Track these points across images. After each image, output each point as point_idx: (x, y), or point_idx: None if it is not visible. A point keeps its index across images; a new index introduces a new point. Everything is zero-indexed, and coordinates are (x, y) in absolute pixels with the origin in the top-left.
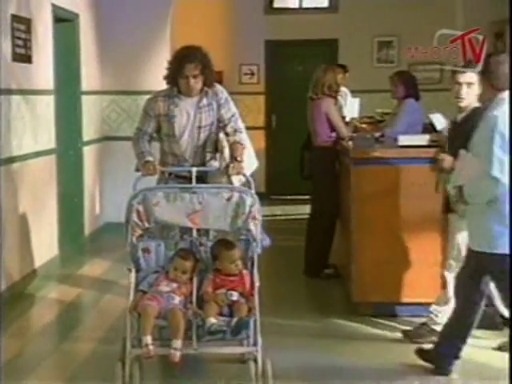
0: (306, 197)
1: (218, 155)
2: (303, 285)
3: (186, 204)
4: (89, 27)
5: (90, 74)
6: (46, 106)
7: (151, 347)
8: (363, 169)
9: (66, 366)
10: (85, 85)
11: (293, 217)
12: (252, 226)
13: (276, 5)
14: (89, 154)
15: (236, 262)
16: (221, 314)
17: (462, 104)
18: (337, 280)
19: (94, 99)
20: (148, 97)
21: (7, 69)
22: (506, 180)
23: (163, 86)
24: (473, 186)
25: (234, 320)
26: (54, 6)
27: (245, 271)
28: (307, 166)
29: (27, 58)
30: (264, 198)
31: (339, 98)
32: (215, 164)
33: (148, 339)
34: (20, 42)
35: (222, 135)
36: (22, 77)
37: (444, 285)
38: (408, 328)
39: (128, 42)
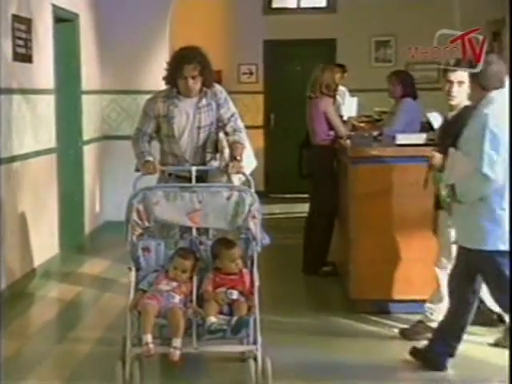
0: (305, 195)
1: (218, 155)
2: (302, 283)
3: (185, 203)
4: (89, 27)
5: (90, 74)
6: (47, 105)
7: (151, 346)
8: (361, 167)
9: (65, 365)
10: (85, 84)
11: (291, 215)
12: (252, 225)
13: (274, 5)
14: (89, 153)
15: (236, 261)
16: (221, 313)
17: (453, 102)
18: (335, 278)
19: (94, 99)
20: (148, 97)
21: (8, 68)
22: (496, 177)
23: (163, 85)
24: (464, 184)
25: (234, 319)
26: (54, 6)
27: (245, 270)
28: (306, 165)
29: (28, 58)
30: (263, 196)
31: (337, 97)
32: (215, 164)
33: (148, 338)
34: (20, 42)
35: (221, 135)
36: (23, 76)
37: (437, 282)
38: (405, 326)
39: (128, 42)
